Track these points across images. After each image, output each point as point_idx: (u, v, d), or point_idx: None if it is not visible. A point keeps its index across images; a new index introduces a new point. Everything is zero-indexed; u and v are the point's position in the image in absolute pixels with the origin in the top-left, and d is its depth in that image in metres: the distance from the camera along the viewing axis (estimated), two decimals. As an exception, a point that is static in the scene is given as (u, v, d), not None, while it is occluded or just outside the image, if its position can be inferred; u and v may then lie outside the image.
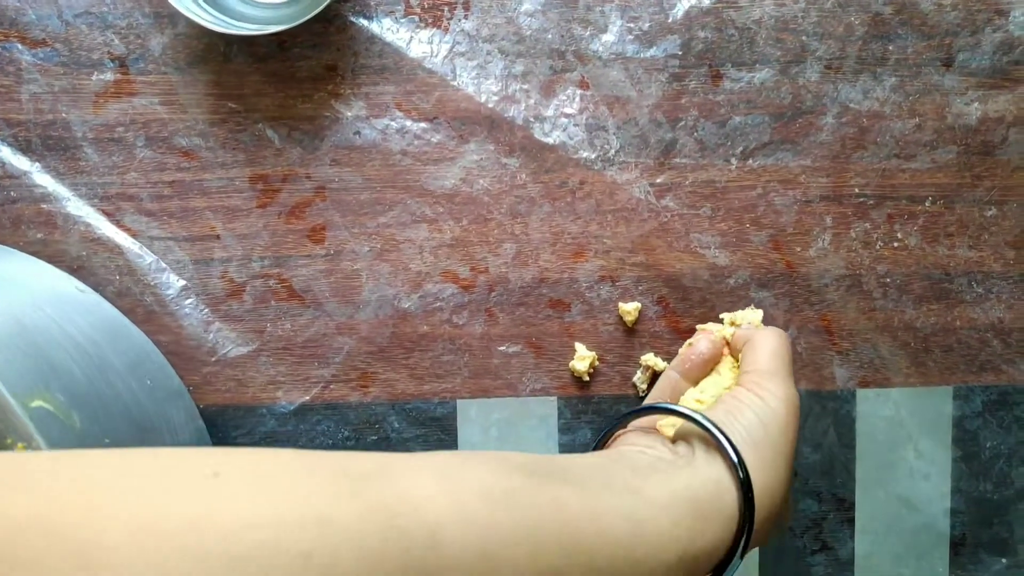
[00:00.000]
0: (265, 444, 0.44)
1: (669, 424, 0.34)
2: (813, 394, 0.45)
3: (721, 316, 0.43)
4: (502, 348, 0.45)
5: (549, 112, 0.44)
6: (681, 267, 0.45)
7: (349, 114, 0.43)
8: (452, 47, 0.43)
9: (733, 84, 0.44)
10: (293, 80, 0.43)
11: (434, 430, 0.45)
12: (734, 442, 0.30)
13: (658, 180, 0.44)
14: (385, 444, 0.45)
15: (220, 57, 0.43)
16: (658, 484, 0.28)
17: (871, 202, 0.45)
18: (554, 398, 0.45)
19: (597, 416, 0.45)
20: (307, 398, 0.44)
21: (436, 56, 0.43)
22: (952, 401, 0.46)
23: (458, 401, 0.45)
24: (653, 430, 0.34)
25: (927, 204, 0.45)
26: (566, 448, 0.45)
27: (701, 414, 0.32)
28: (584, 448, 0.45)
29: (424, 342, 0.44)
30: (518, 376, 0.45)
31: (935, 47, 0.44)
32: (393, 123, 0.43)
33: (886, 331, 0.45)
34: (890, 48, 0.44)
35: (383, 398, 0.45)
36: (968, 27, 0.44)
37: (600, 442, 0.34)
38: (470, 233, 0.44)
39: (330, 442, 0.44)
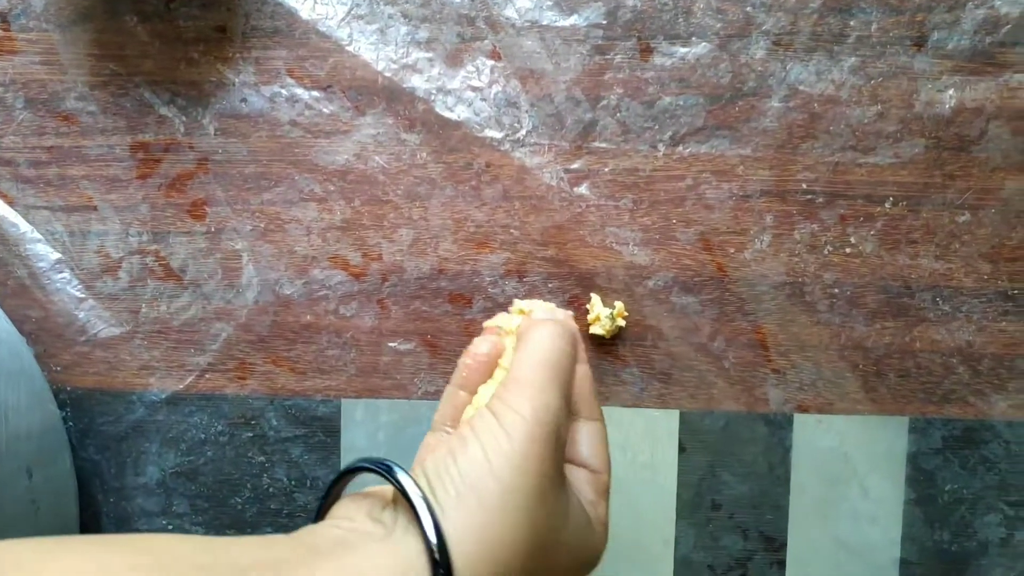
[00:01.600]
0: (131, 433, 0.41)
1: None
2: (742, 416, 0.40)
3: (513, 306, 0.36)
4: (393, 344, 0.40)
5: (455, 84, 0.39)
6: (595, 265, 0.40)
7: (236, 80, 0.40)
8: (350, 9, 0.39)
9: (664, 60, 0.39)
10: (179, 42, 0.40)
11: (315, 431, 0.41)
12: (438, 497, 0.24)
13: (574, 166, 0.39)
14: (262, 442, 0.41)
15: (104, 15, 0.40)
16: (329, 571, 0.23)
17: (820, 200, 0.39)
18: (449, 403, 0.40)
19: (496, 426, 0.40)
20: (180, 386, 0.41)
21: (332, 18, 0.39)
22: (907, 434, 0.40)
23: (343, 400, 0.41)
24: (373, 493, 0.28)
25: (887, 205, 0.39)
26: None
27: (399, 466, 0.26)
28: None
29: (307, 333, 0.40)
30: (410, 376, 0.40)
31: (905, 24, 0.38)
32: (283, 91, 0.40)
33: (832, 349, 0.39)
34: (851, 24, 0.38)
35: (261, 392, 0.41)
36: (945, 1, 0.38)
37: (319, 512, 0.28)
38: (363, 215, 0.40)
39: (203, 436, 0.41)
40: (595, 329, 0.39)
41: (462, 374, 0.32)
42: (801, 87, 0.38)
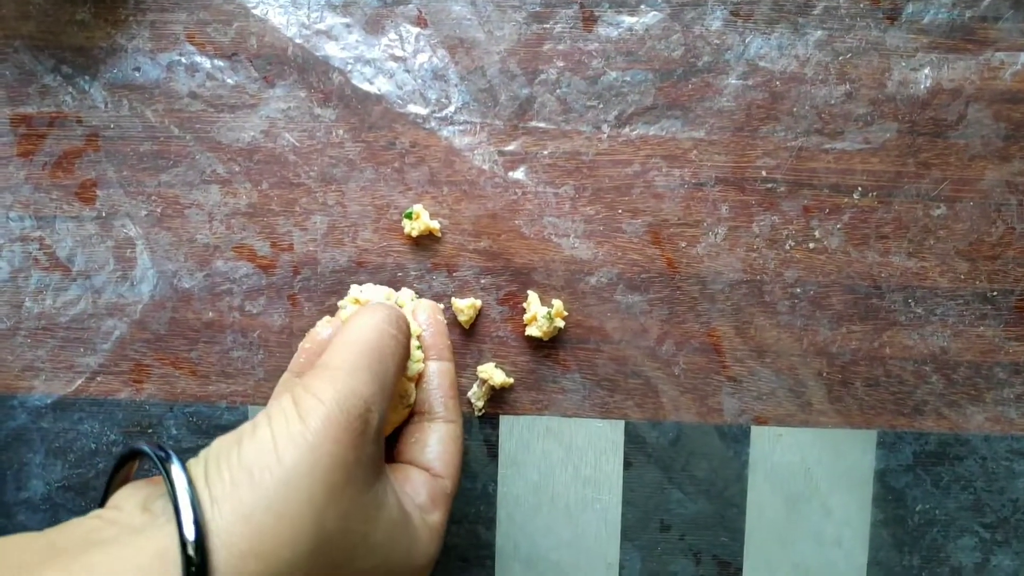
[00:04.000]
0: (12, 442, 0.37)
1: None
2: (694, 428, 0.36)
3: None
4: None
5: (375, 54, 0.35)
6: (533, 259, 0.35)
7: (129, 46, 0.35)
8: (259, -33, 0.35)
9: (610, 30, 0.35)
10: (65, 1, 0.35)
11: (220, 440, 0.37)
12: (211, 483, 0.22)
13: (509, 148, 0.35)
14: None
15: (-20, -31, 0.35)
16: (65, 569, 0.21)
17: (782, 189, 0.35)
18: (369, 411, 0.36)
19: (421, 437, 0.36)
20: (69, 390, 0.36)
21: (237, -22, 0.35)
22: (875, 450, 0.36)
23: (250, 408, 0.36)
24: (157, 480, 0.26)
25: (855, 196, 0.35)
26: (381, 474, 0.36)
27: (167, 451, 0.24)
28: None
29: (210, 332, 0.36)
30: (326, 381, 0.36)
31: (877, -7, 0.34)
32: (182, 59, 0.35)
33: (793, 355, 0.36)
34: (818, -8, 0.34)
35: (159, 397, 0.36)
36: (922, -31, 0.34)
37: (102, 499, 0.26)
38: (271, 200, 0.36)
39: (93, 445, 0.37)
40: (531, 331, 0.35)
41: (300, 359, 0.30)
42: (761, 63, 0.34)
